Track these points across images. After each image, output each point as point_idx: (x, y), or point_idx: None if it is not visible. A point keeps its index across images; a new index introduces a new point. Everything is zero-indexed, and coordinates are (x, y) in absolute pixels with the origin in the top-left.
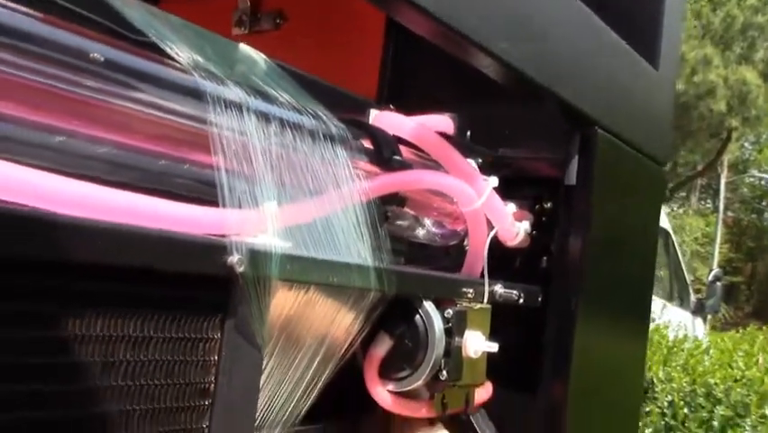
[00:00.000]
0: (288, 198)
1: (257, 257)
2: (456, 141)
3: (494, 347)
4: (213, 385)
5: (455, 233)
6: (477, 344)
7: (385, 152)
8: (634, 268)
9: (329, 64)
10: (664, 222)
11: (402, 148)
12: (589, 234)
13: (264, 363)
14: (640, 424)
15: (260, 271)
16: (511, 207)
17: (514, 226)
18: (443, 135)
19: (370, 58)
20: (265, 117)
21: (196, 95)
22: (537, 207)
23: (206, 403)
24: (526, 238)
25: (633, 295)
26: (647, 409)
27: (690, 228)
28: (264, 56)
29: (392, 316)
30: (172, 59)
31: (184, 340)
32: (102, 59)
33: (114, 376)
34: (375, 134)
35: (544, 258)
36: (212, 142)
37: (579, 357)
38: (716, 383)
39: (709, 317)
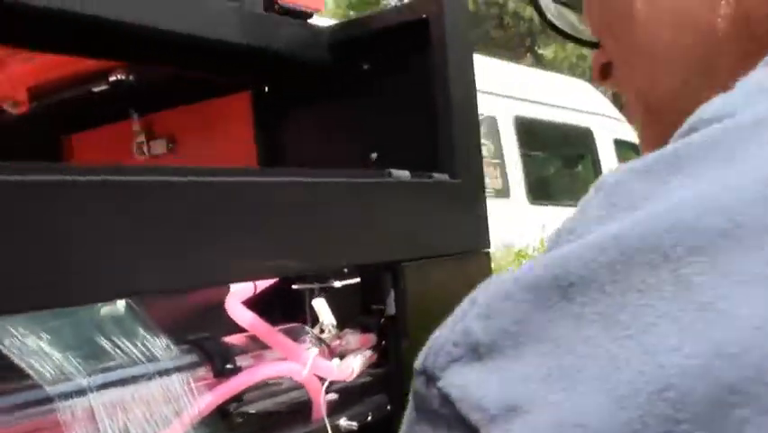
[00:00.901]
0: None
1: None
2: None
3: None
4: None
5: None
6: None
7: (218, 365)
8: None
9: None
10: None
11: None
12: (409, 354)
13: None
14: None
15: None
16: (351, 340)
17: (345, 370)
18: None
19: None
20: (109, 385)
21: (47, 400)
22: (383, 320)
23: None
24: (367, 360)
25: None
26: None
27: None
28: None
29: None
30: (27, 374)
31: None
32: None
33: None
34: (208, 351)
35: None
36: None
37: None
38: None
39: None
